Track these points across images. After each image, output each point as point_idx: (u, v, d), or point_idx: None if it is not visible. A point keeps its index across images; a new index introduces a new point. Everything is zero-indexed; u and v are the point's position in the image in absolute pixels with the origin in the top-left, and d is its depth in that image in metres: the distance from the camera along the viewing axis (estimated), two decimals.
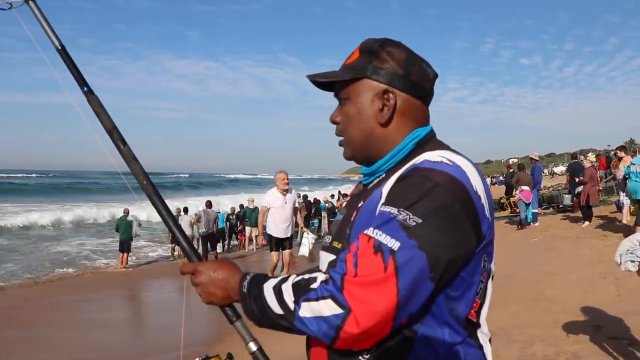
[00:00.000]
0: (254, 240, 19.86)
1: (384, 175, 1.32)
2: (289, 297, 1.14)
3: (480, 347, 1.27)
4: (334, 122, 1.42)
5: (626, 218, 12.88)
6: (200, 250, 17.79)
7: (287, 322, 1.15)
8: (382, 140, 1.34)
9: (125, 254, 16.86)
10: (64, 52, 1.54)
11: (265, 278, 1.24)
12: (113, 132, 1.49)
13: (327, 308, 1.08)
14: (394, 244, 1.08)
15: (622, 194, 13.11)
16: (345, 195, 27.15)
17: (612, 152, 23.61)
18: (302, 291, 1.13)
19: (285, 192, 9.69)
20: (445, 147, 1.30)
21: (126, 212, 18.10)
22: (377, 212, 1.19)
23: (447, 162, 1.19)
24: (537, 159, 16.90)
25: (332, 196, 28.53)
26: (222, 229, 20.94)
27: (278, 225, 9.67)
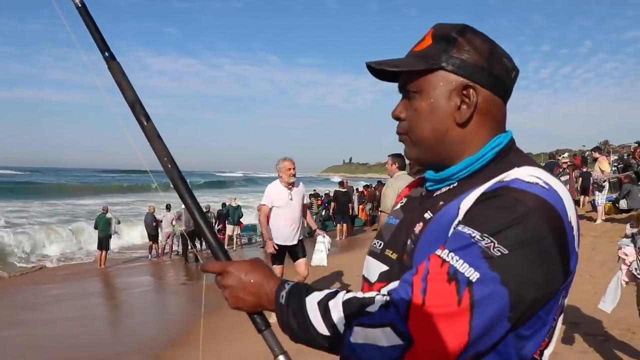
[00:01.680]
0: (234, 240, 19.84)
1: (455, 184, 1.16)
2: (338, 318, 1.00)
3: None
4: (397, 118, 1.22)
5: (601, 217, 13.12)
6: (180, 249, 17.89)
7: (333, 346, 1.01)
8: (458, 142, 1.16)
9: (104, 252, 16.72)
10: (84, 10, 1.34)
11: (308, 289, 1.09)
12: (136, 104, 1.31)
13: (385, 337, 0.94)
14: (473, 274, 0.93)
15: (597, 194, 13.33)
16: (316, 195, 26.94)
17: (587, 153, 23.98)
18: (356, 313, 0.98)
19: (292, 185, 7.34)
20: (531, 161, 1.13)
21: (105, 210, 17.98)
22: (453, 231, 1.04)
23: (544, 184, 1.03)
24: None
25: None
26: None
27: (283, 228, 7.26)
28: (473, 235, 0.97)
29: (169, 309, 10.82)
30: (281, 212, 7.24)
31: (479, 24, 1.08)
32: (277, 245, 7.19)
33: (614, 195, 13.79)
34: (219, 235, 19.59)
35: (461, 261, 0.95)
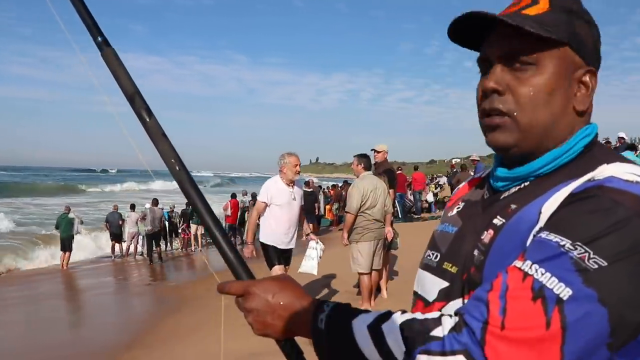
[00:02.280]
0: (199, 239, 19.66)
1: (528, 183, 1.00)
2: (395, 344, 0.83)
3: None
4: (494, 91, 0.99)
5: None
6: (145, 249, 17.66)
7: None
8: (567, 132, 0.99)
9: (68, 253, 16.43)
10: None
11: (353, 311, 0.93)
12: (135, 97, 1.14)
13: None
14: (564, 291, 0.77)
15: None
16: None
17: None
18: (419, 339, 0.82)
19: (293, 183, 6.62)
20: (620, 157, 0.96)
21: (67, 210, 17.65)
22: (534, 238, 0.87)
23: None
24: (479, 159, 17.31)
25: None
26: (166, 227, 20.53)
27: (279, 230, 6.48)
28: (562, 243, 0.81)
29: (132, 310, 10.70)
30: (280, 211, 6.44)
31: (442, 26, 1.04)
32: (267, 245, 6.45)
33: None
34: (182, 235, 19.39)
35: (548, 274, 0.79)
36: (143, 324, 8.55)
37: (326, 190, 27.39)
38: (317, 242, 7.11)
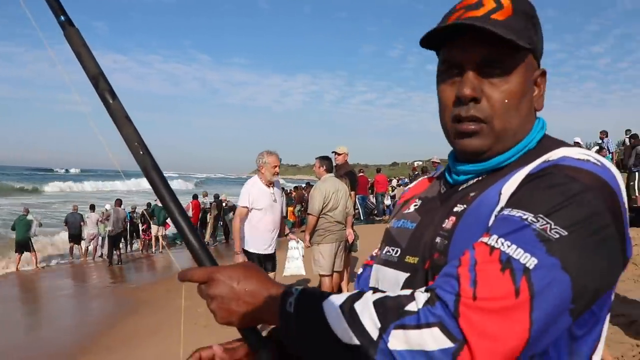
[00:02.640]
0: (160, 240, 19.45)
1: (486, 174, 1.06)
2: (370, 321, 0.82)
3: None
4: (473, 99, 1.02)
5: None
6: (105, 250, 17.37)
7: (362, 356, 0.82)
8: (528, 130, 1.06)
9: (34, 253, 16.20)
10: None
11: (323, 294, 0.92)
12: (99, 79, 1.09)
13: (433, 340, 0.78)
14: (529, 261, 0.80)
15: None
16: None
17: None
18: (394, 314, 0.82)
19: (272, 184, 6.26)
20: (567, 144, 1.04)
21: (26, 212, 17.27)
22: (499, 216, 0.91)
23: (595, 161, 0.93)
24: (439, 162, 17.55)
25: None
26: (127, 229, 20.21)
27: (262, 235, 6.11)
28: (525, 217, 0.85)
29: (91, 312, 10.56)
30: (262, 215, 6.10)
31: (406, 30, 1.06)
32: (255, 253, 6.06)
33: None
34: (143, 236, 19.06)
35: (514, 246, 0.82)
36: (102, 325, 8.49)
37: (288, 192, 27.39)
38: (298, 242, 6.92)
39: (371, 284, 1.15)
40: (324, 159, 7.13)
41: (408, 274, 1.04)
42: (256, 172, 6.35)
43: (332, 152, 8.61)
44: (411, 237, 1.09)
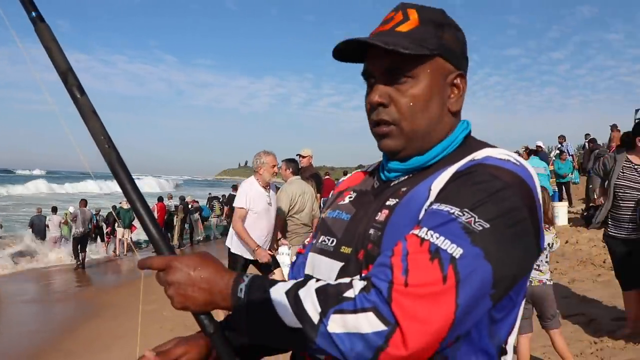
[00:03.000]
0: (125, 244, 19.18)
1: (415, 172, 1.14)
2: (312, 306, 0.90)
3: None
4: (380, 105, 1.12)
5: None
6: (70, 252, 16.97)
7: (305, 339, 0.91)
8: (446, 131, 1.15)
9: None
10: None
11: (271, 281, 0.99)
12: (68, 74, 1.13)
13: (368, 323, 0.86)
14: (456, 251, 0.89)
15: None
16: (215, 198, 26.53)
17: None
18: (333, 300, 0.90)
19: (269, 186, 6.07)
20: (487, 144, 1.14)
21: None
22: (428, 210, 0.99)
23: (515, 162, 1.03)
24: None
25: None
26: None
27: (256, 240, 5.82)
28: (452, 211, 0.94)
29: (54, 316, 10.34)
30: (255, 219, 5.86)
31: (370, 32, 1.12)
32: (243, 257, 5.90)
33: None
34: (107, 239, 18.64)
35: (442, 238, 0.90)
36: (63, 330, 8.33)
37: None
38: (290, 247, 6.64)
39: (307, 272, 1.21)
40: (290, 162, 7.14)
41: (342, 263, 1.11)
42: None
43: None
44: (346, 228, 1.16)
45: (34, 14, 1.14)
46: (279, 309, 0.93)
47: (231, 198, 20.65)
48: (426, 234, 0.92)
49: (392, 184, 1.15)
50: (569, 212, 13.54)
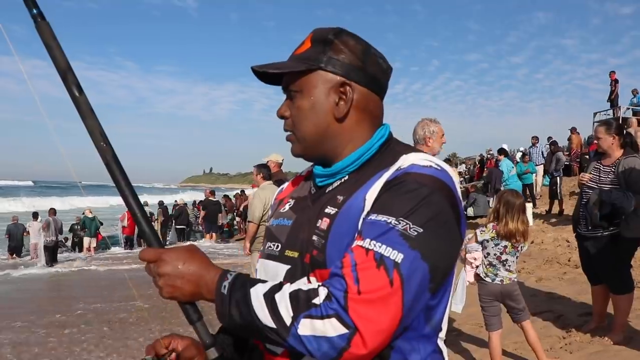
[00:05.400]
0: (91, 251, 18.88)
1: (346, 177, 1.25)
2: (285, 310, 1.02)
3: (441, 352, 1.23)
4: (282, 117, 1.29)
5: None
6: (44, 261, 16.38)
7: (278, 337, 1.03)
8: (339, 136, 1.25)
9: None
10: None
11: (252, 281, 1.10)
12: (67, 73, 1.17)
13: (332, 328, 0.98)
14: (397, 256, 1.01)
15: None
16: (185, 205, 26.37)
17: None
18: (303, 306, 1.01)
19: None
20: (414, 148, 1.26)
21: None
22: (367, 220, 1.10)
23: (436, 166, 1.16)
24: None
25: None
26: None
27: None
28: (389, 221, 1.05)
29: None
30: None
31: None
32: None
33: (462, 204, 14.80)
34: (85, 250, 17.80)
35: (384, 246, 1.02)
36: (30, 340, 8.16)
37: (222, 201, 27.10)
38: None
39: (258, 276, 1.33)
40: (262, 167, 7.18)
41: (289, 266, 1.22)
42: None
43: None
44: (289, 233, 1.27)
45: (35, 11, 1.16)
46: (257, 309, 1.04)
47: (208, 203, 20.93)
48: (369, 244, 1.04)
49: (327, 190, 1.26)
50: (533, 213, 13.86)
